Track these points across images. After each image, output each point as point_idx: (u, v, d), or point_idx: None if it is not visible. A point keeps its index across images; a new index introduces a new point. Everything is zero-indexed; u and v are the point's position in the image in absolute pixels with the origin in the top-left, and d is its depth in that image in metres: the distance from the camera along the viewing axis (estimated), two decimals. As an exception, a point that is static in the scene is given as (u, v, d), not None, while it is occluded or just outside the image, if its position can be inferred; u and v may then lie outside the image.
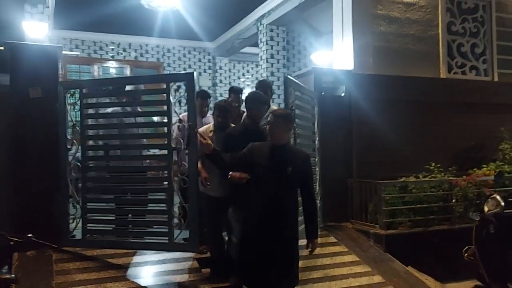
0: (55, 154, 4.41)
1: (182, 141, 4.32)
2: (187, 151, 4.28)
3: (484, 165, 6.19)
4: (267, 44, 8.36)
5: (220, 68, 11.09)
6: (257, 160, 3.23)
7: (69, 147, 4.46)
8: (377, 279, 4.56)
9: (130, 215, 4.59)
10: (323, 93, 5.63)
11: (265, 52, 8.39)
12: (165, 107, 4.29)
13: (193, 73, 4.30)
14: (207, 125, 4.49)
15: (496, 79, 7.15)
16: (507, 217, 4.67)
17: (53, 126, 4.42)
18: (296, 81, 5.02)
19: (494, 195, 4.83)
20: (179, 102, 4.34)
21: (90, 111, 4.62)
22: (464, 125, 6.65)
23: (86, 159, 4.49)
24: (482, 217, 4.71)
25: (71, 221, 4.43)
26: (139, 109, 4.90)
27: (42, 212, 4.29)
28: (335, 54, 6.37)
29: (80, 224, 4.41)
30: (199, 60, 11.02)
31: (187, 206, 4.23)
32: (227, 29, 9.75)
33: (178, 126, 4.42)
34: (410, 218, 5.39)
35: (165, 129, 4.32)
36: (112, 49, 10.34)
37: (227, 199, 3.99)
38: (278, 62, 8.40)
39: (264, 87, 4.83)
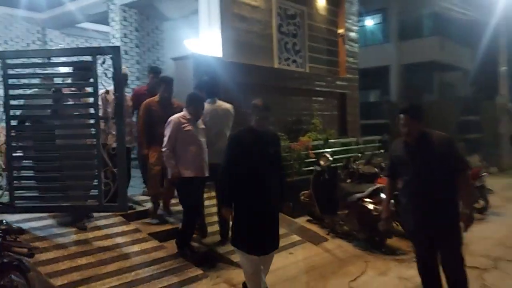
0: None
1: (109, 111, 4.86)
2: (114, 120, 4.76)
3: (307, 134, 8.44)
4: (120, 24, 8.81)
5: (51, 40, 10.69)
6: (244, 146, 3.71)
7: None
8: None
9: (64, 182, 4.85)
10: (206, 78, 6.75)
11: (118, 31, 8.83)
12: (92, 79, 4.58)
13: (119, 46, 4.79)
14: (180, 114, 4.86)
15: (308, 70, 9.53)
16: (334, 168, 6.86)
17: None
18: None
19: (325, 154, 6.96)
20: (105, 74, 4.63)
21: (14, 81, 4.70)
22: (289, 105, 8.79)
23: (10, 129, 4.60)
24: (319, 169, 6.75)
25: (-1, 189, 4.54)
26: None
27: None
28: (203, 42, 7.52)
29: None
30: (28, 31, 10.37)
31: (116, 171, 4.82)
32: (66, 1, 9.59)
33: (105, 97, 4.91)
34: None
35: (92, 99, 4.64)
36: None
37: (202, 178, 4.75)
38: (131, 42, 8.96)
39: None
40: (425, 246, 3.63)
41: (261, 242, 3.74)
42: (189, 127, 4.73)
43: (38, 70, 5.00)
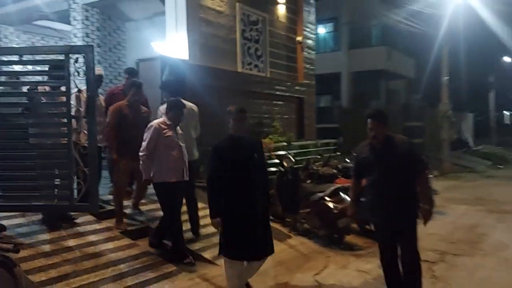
0: None
1: (81, 110, 4.88)
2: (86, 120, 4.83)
3: (269, 136, 8.77)
4: (82, 23, 8.73)
5: (6, 37, 10.34)
6: (226, 155, 3.76)
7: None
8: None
9: (34, 181, 4.82)
10: (173, 78, 6.91)
11: (80, 30, 8.74)
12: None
13: (93, 46, 4.82)
14: (160, 120, 4.95)
15: (269, 75, 9.88)
16: (296, 169, 7.20)
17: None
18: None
19: (287, 155, 7.30)
20: (78, 72, 4.51)
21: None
22: (251, 108, 9.07)
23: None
24: (282, 170, 7.06)
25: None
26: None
27: None
28: (169, 45, 7.65)
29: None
30: (-21, 26, 9.99)
31: (87, 170, 4.85)
32: (22, -2, 9.36)
33: (78, 96, 4.93)
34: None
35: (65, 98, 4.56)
36: None
37: (183, 183, 4.81)
38: (93, 42, 8.89)
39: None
40: (388, 240, 3.96)
41: (246, 248, 3.75)
42: (169, 133, 4.82)
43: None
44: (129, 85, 5.70)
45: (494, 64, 29.57)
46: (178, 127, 5.01)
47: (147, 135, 4.80)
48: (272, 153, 8.26)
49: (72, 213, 5.15)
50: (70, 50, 4.69)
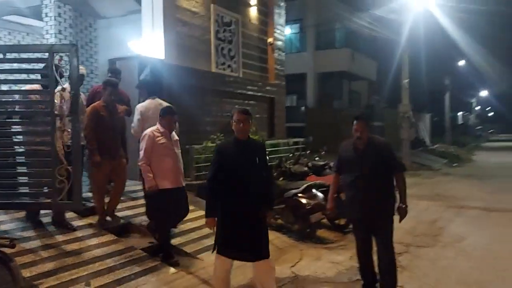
0: None
1: (64, 108, 4.95)
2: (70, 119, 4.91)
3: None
4: (55, 19, 8.63)
5: (-35, 30, 10.01)
6: (227, 157, 3.72)
7: None
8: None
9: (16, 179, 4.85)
10: (149, 78, 7.01)
11: (52, 27, 8.64)
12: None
13: (76, 44, 4.90)
14: (153, 128, 4.95)
15: (241, 75, 10.11)
16: (270, 167, 7.47)
17: None
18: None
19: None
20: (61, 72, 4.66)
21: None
22: (225, 107, 9.29)
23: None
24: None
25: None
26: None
27: None
28: (145, 44, 7.73)
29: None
30: None
31: (70, 168, 4.91)
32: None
33: (61, 95, 4.99)
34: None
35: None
36: None
37: (179, 190, 4.86)
38: (65, 39, 8.80)
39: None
40: (364, 234, 4.23)
41: (237, 246, 3.76)
42: (163, 140, 4.87)
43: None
44: (104, 84, 5.61)
45: (449, 68, 31.09)
46: (174, 133, 5.07)
47: (142, 144, 4.86)
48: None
49: (70, 222, 5.19)
50: (54, 49, 4.79)
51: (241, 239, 3.74)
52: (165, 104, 5.84)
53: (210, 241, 4.87)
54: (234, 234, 3.74)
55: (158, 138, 4.85)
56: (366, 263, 4.33)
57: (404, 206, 4.11)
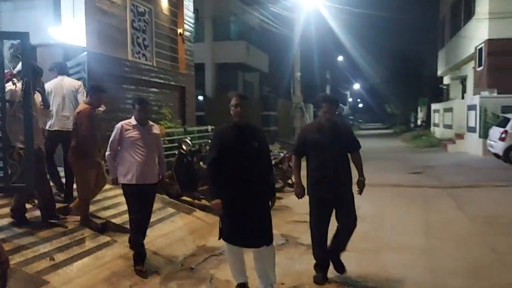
0: None
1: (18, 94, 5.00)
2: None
3: (160, 122, 9.38)
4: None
5: None
6: (226, 141, 3.72)
7: None
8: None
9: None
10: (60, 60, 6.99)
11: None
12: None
13: (28, 32, 4.95)
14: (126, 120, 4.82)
15: (155, 64, 10.40)
16: (194, 152, 8.06)
17: None
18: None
19: (185, 139, 8.11)
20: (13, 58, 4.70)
21: None
22: (141, 95, 9.51)
23: None
24: (182, 152, 7.85)
25: None
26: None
27: None
28: (65, 32, 7.69)
29: None
30: None
31: (22, 152, 4.93)
32: None
33: (13, 81, 5.03)
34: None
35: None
36: None
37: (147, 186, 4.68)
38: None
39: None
40: (328, 213, 4.39)
41: (242, 234, 3.77)
42: (132, 134, 4.68)
43: None
44: (93, 89, 5.61)
45: (330, 64, 34.24)
46: (154, 128, 4.96)
47: (111, 136, 4.77)
48: (165, 139, 8.96)
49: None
50: (4, 36, 4.82)
51: (246, 226, 3.75)
52: (72, 82, 6.23)
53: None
54: (238, 221, 3.75)
55: (128, 131, 4.67)
56: (321, 237, 4.44)
57: (362, 179, 4.51)
